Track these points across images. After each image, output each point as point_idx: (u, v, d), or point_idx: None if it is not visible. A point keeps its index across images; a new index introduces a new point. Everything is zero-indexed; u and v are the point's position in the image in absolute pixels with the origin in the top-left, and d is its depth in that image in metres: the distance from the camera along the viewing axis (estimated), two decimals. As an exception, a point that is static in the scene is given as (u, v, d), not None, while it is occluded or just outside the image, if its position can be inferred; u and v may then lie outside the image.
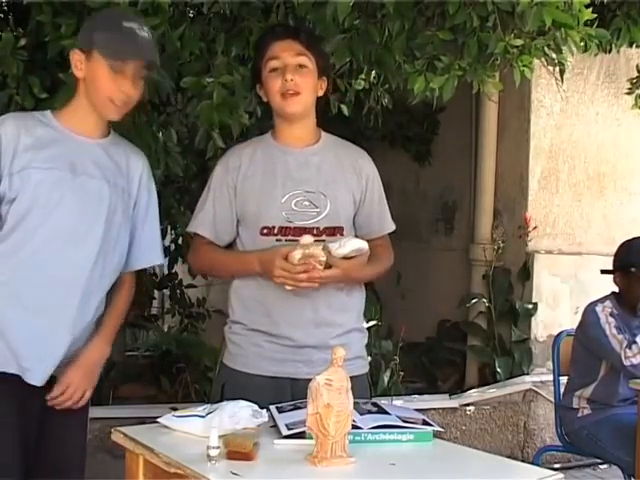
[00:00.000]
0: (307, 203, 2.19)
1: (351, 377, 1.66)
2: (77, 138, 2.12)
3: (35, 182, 2.03)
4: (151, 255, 2.29)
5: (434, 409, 4.43)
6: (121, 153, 2.20)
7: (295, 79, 2.16)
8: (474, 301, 5.14)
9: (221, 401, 1.93)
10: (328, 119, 3.50)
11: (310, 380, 1.68)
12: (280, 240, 2.17)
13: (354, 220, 2.29)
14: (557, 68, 2.77)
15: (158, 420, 1.88)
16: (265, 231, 2.18)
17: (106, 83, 2.07)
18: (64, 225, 2.06)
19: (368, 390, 2.28)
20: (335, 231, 2.21)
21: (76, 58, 2.10)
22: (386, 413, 1.92)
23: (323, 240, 2.16)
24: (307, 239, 2.06)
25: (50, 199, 2.04)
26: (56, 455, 2.14)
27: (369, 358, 2.36)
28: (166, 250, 5.06)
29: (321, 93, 2.25)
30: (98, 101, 2.10)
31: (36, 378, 2.04)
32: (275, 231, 2.18)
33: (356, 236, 2.22)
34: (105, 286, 2.16)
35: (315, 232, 2.17)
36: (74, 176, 2.08)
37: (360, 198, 2.27)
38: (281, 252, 2.07)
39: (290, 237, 2.17)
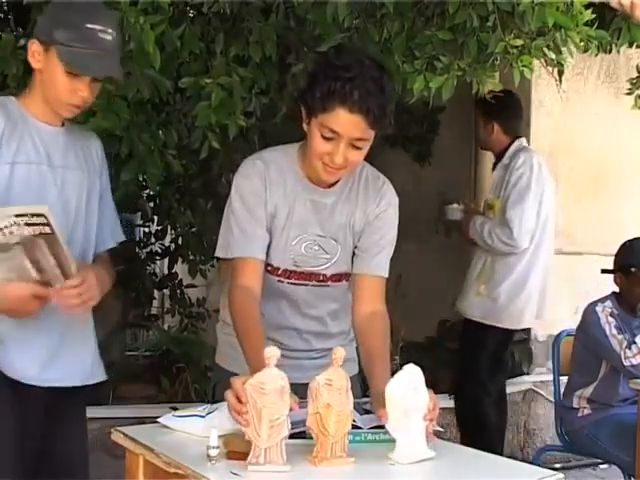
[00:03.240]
0: (317, 248, 2.08)
1: None
2: (44, 127, 2.07)
3: (18, 177, 2.00)
4: (119, 232, 2.30)
5: (434, 409, 4.41)
6: (81, 136, 2.19)
7: (345, 158, 1.92)
8: (474, 301, 5.12)
9: (215, 402, 1.92)
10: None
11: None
12: (282, 282, 2.10)
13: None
14: (556, 69, 2.77)
15: (158, 420, 1.88)
16: (269, 269, 2.09)
17: (62, 85, 2.00)
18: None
19: (360, 390, 2.27)
20: (342, 277, 2.14)
21: (34, 49, 2.02)
22: (386, 413, 1.92)
23: (327, 285, 2.12)
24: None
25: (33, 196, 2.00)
26: (62, 454, 2.13)
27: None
28: (166, 250, 5.08)
29: None
30: (52, 99, 2.04)
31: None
32: (279, 272, 2.09)
33: None
34: None
35: (321, 278, 2.11)
36: (52, 169, 2.06)
37: (359, 236, 2.12)
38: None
39: (293, 280, 2.10)
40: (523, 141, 4.07)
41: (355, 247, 2.13)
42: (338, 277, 2.13)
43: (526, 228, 3.79)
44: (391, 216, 2.14)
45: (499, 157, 4.03)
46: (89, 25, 1.96)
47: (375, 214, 2.11)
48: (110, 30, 1.99)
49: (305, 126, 1.98)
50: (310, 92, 1.92)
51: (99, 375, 2.20)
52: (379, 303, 2.13)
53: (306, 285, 2.11)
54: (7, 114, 2.02)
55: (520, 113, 4.17)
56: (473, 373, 3.94)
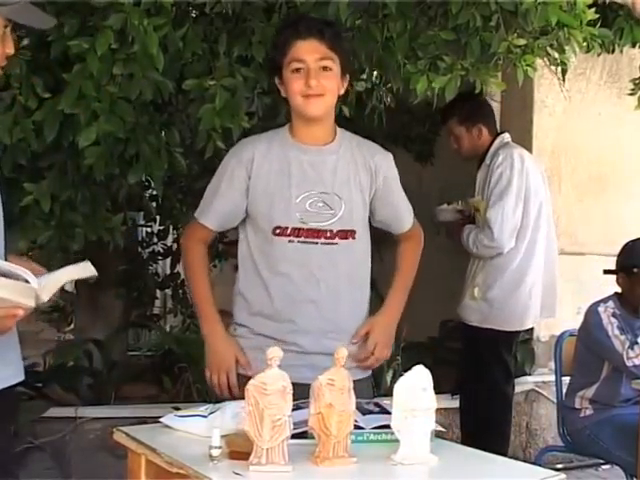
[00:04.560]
0: (321, 204, 2.17)
1: (357, 380, 1.66)
2: None
3: None
4: None
5: (436, 409, 4.41)
6: None
7: (319, 82, 2.12)
8: (476, 301, 5.12)
9: (217, 402, 1.92)
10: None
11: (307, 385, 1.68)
12: (292, 242, 2.15)
13: (375, 218, 2.31)
14: (560, 68, 2.77)
15: (160, 420, 1.88)
16: (278, 231, 2.16)
17: None
18: None
19: (372, 392, 2.28)
20: (347, 234, 2.20)
21: None
22: (388, 413, 1.91)
23: (336, 243, 2.18)
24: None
25: None
26: None
27: None
28: (168, 250, 5.09)
29: (342, 91, 2.23)
30: None
31: None
32: (288, 232, 2.16)
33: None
34: None
35: (328, 234, 2.17)
36: None
37: (372, 198, 2.26)
38: (238, 359, 2.19)
39: (303, 239, 2.16)
40: (504, 137, 3.96)
41: (375, 215, 2.29)
42: (344, 234, 2.20)
43: (508, 228, 3.69)
44: (394, 173, 2.36)
45: (482, 158, 3.99)
46: None
47: (383, 177, 2.29)
48: None
49: (282, 90, 2.20)
50: (273, 50, 2.25)
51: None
52: (416, 242, 2.47)
53: (316, 244, 2.17)
54: None
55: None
56: (477, 375, 3.90)
